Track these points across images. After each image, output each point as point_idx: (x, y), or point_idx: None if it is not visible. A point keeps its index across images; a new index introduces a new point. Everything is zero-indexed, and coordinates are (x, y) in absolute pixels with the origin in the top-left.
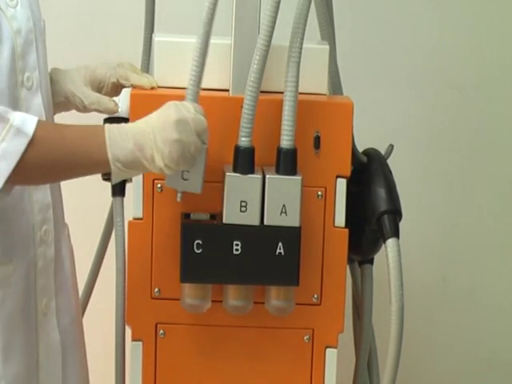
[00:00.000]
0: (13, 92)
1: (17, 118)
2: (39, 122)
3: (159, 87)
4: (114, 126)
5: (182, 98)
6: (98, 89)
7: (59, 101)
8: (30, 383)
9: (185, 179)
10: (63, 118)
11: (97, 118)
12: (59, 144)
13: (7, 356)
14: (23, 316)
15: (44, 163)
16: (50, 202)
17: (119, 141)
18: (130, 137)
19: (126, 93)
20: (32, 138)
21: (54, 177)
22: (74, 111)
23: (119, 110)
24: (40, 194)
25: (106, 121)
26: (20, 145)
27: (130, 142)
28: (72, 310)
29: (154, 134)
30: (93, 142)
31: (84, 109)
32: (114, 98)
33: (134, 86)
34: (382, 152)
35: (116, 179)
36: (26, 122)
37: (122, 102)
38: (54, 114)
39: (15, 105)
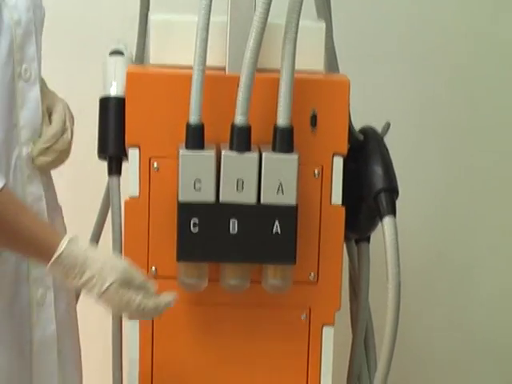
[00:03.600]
0: (9, 84)
1: None
2: (6, 186)
3: (156, 66)
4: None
5: (177, 78)
6: None
7: None
8: (21, 376)
9: None
10: None
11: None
12: (17, 212)
13: None
14: (13, 307)
15: None
16: (43, 194)
17: (74, 250)
18: (82, 251)
19: (121, 71)
20: None
21: None
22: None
23: (114, 88)
24: (34, 187)
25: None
26: None
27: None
28: (68, 296)
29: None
30: (50, 233)
31: None
32: (109, 76)
33: None
34: (379, 130)
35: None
36: None
37: (118, 81)
38: None
39: (11, 97)
